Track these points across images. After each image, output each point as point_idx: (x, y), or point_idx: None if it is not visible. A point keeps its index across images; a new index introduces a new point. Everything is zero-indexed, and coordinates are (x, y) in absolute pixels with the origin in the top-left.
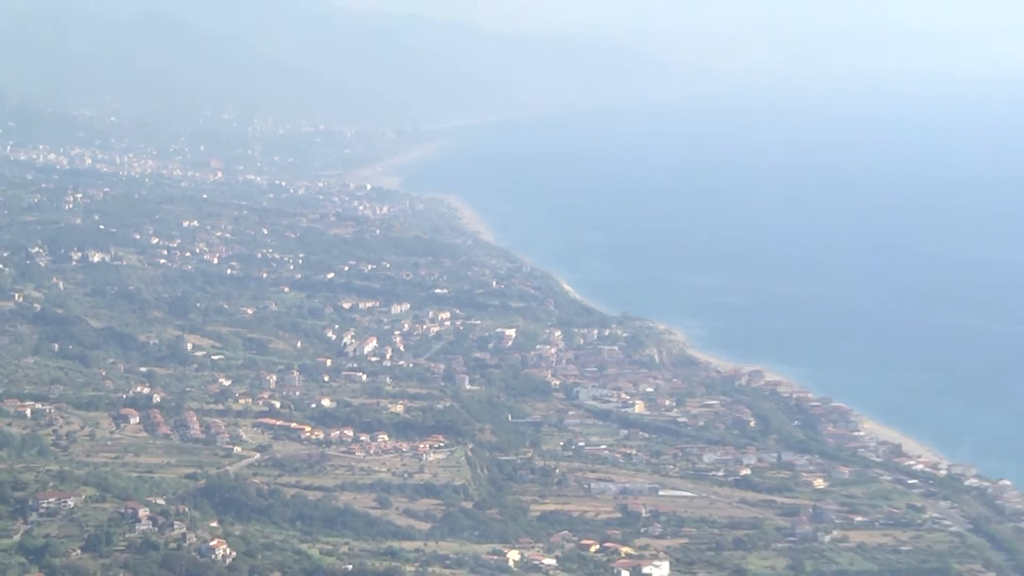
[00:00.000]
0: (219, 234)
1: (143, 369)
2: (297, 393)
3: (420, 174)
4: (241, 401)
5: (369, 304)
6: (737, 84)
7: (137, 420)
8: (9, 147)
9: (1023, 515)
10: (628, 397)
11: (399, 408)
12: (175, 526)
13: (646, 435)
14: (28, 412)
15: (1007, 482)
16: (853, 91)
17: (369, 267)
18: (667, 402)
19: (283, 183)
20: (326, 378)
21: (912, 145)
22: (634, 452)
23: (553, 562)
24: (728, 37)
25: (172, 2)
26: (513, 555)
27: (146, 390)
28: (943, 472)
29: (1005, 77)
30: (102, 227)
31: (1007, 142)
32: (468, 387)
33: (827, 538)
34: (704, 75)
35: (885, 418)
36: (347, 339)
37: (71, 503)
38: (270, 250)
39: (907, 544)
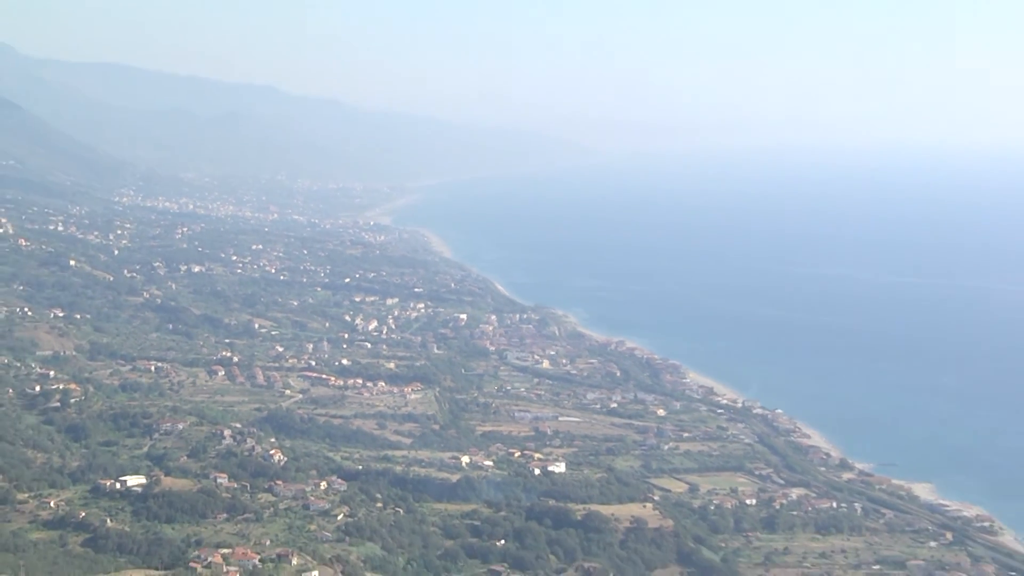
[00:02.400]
0: (275, 253)
1: (227, 340)
2: (326, 355)
3: (405, 215)
4: (290, 361)
5: (372, 298)
6: (624, 157)
7: (223, 373)
8: (140, 198)
9: (791, 432)
10: (539, 358)
11: (391, 365)
12: (248, 441)
13: (550, 382)
14: (152, 368)
15: (780, 411)
16: (720, 159)
17: (372, 275)
18: (564, 361)
19: (316, 221)
20: (344, 346)
21: (748, 191)
22: (542, 393)
23: (491, 463)
24: (621, 123)
25: (243, 105)
26: (465, 459)
27: (228, 354)
28: (740, 405)
29: (855, 148)
30: (200, 249)
31: (830, 190)
32: (436, 351)
33: (666, 447)
34: (592, 151)
35: (703, 370)
36: (358, 321)
37: (180, 427)
38: (308, 264)
39: (717, 451)
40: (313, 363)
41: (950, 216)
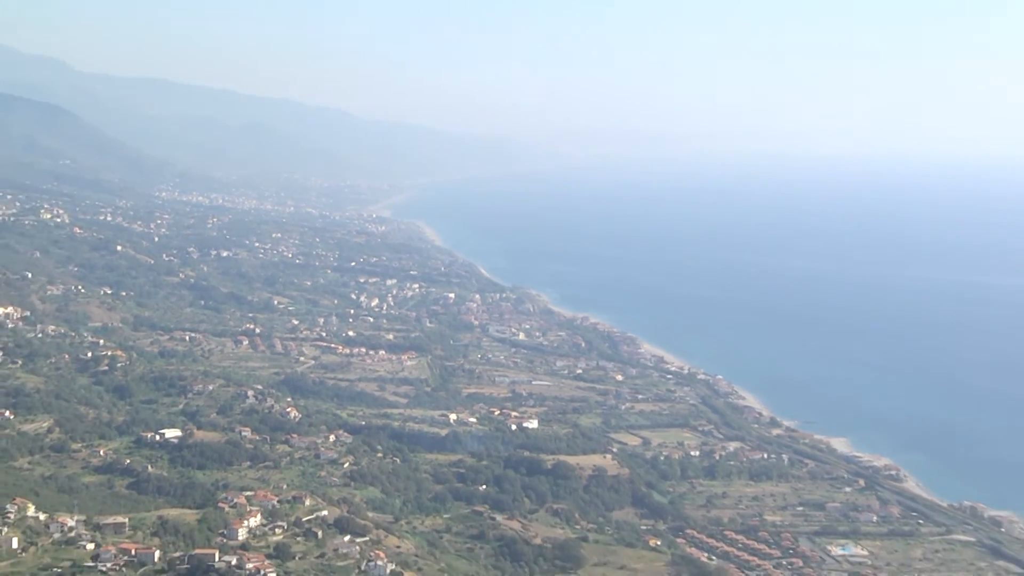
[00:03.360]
0: (292, 241)
1: (250, 315)
2: (335, 328)
3: (402, 209)
4: (304, 332)
5: (374, 279)
6: (589, 161)
7: (247, 343)
8: (177, 193)
9: (729, 394)
10: (515, 331)
11: (391, 336)
12: (268, 400)
13: (525, 351)
14: (187, 338)
15: (720, 376)
16: (696, 164)
17: (374, 259)
18: (537, 334)
19: (327, 213)
20: (350, 320)
21: (708, 191)
22: (518, 361)
23: (475, 420)
24: (606, 132)
25: (265, 114)
26: (452, 416)
27: (251, 326)
28: (686, 371)
29: (819, 157)
30: (227, 236)
31: (784, 191)
32: (428, 325)
33: (623, 407)
34: (560, 156)
35: (655, 342)
36: (362, 298)
37: (210, 388)
38: (320, 250)
39: (666, 410)
40: (324, 334)
41: (890, 214)
